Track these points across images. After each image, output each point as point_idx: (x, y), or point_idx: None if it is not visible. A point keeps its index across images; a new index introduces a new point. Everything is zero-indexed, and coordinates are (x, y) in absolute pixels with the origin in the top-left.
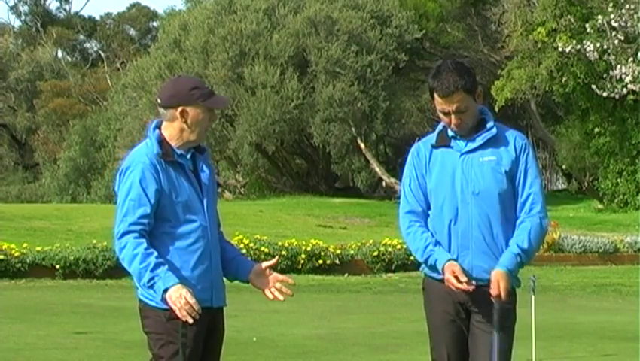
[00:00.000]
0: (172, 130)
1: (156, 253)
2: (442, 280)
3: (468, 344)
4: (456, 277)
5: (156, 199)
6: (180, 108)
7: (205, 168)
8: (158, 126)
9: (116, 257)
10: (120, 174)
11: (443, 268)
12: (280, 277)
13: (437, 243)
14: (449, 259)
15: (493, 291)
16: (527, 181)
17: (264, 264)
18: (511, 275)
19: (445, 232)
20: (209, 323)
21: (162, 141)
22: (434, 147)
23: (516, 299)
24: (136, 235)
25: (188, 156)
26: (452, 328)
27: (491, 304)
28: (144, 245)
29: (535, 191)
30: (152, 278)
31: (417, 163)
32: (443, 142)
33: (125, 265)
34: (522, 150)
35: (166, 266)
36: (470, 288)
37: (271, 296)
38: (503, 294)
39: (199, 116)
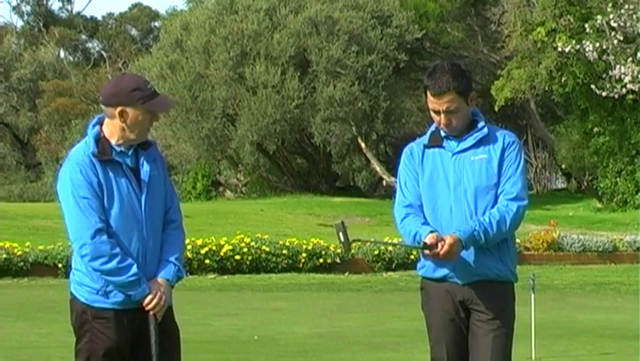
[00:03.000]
0: (112, 128)
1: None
2: (440, 280)
3: (468, 343)
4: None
5: (100, 194)
6: (119, 108)
7: (146, 163)
8: (100, 122)
9: None
10: (61, 173)
11: (424, 242)
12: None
13: (428, 224)
14: (431, 231)
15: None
16: (509, 172)
17: (159, 279)
18: (461, 244)
19: (440, 230)
20: (137, 325)
21: (100, 139)
22: (426, 147)
23: (514, 297)
24: (105, 234)
25: (130, 153)
26: (451, 327)
27: (490, 301)
28: (116, 244)
29: (515, 181)
30: (137, 278)
31: (410, 162)
32: (435, 142)
33: (98, 261)
34: (509, 146)
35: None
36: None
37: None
38: (442, 249)
39: (139, 118)
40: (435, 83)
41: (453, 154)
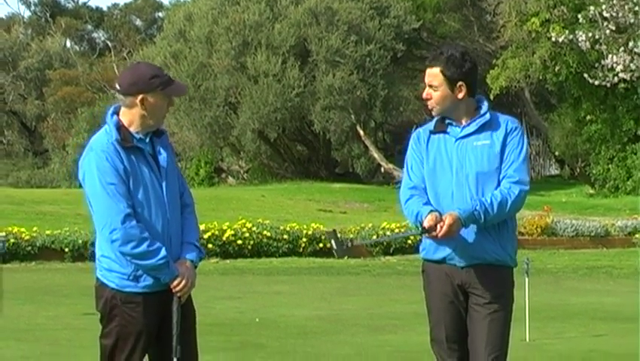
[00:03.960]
0: (131, 116)
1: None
2: (440, 262)
3: (467, 325)
4: (434, 228)
5: (126, 180)
6: (140, 96)
7: (162, 150)
8: (116, 112)
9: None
10: (84, 162)
11: (423, 221)
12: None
13: (430, 204)
14: (431, 211)
15: (437, 226)
16: (512, 157)
17: (185, 261)
18: (461, 222)
19: (441, 212)
20: (162, 308)
21: (120, 127)
22: (432, 132)
23: (513, 282)
24: (134, 219)
25: (147, 140)
26: (451, 309)
27: (488, 284)
28: (145, 229)
29: (518, 167)
30: (166, 261)
31: (417, 147)
32: (440, 128)
33: (129, 245)
34: (512, 132)
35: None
36: (444, 231)
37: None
38: (441, 231)
39: (158, 103)
40: (431, 56)
41: (456, 139)
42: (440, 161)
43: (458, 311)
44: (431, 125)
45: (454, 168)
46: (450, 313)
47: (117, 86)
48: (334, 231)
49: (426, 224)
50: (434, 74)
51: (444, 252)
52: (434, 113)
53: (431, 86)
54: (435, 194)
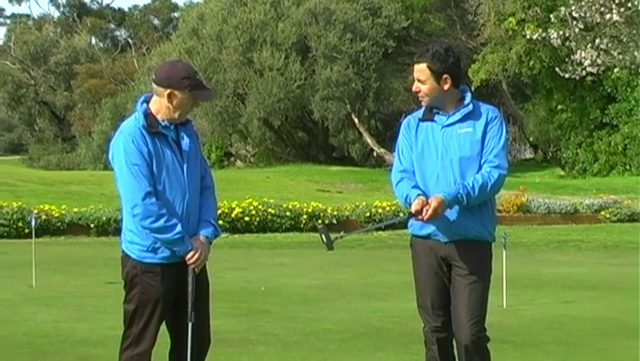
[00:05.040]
0: (159, 105)
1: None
2: (426, 238)
3: (450, 293)
4: (420, 212)
5: (149, 162)
6: (169, 90)
7: (185, 137)
8: (147, 100)
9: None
10: (114, 144)
11: (411, 203)
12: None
13: (418, 187)
14: (418, 195)
15: (424, 210)
16: (492, 144)
17: (200, 237)
18: (445, 204)
19: (428, 194)
20: (179, 278)
21: (148, 114)
22: (420, 120)
23: (491, 254)
24: (154, 197)
25: (172, 127)
26: (435, 279)
27: (468, 257)
28: (163, 206)
29: (498, 152)
30: (181, 235)
31: (407, 133)
32: (428, 117)
33: (148, 220)
34: (492, 121)
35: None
36: (429, 214)
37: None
38: (427, 214)
39: (184, 101)
40: (418, 52)
41: (442, 127)
42: (427, 147)
43: (442, 281)
44: (419, 113)
45: (439, 153)
46: (435, 283)
47: (153, 75)
48: (325, 226)
49: (413, 208)
50: (421, 69)
51: (429, 229)
52: (423, 104)
53: (419, 80)
54: (422, 177)
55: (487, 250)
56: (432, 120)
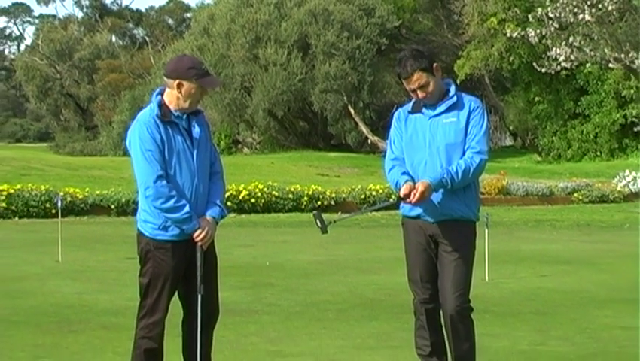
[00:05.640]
0: (170, 96)
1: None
2: (415, 218)
3: (437, 268)
4: (409, 195)
5: (162, 148)
6: (177, 81)
7: (196, 126)
8: (161, 92)
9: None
10: (131, 132)
11: (401, 188)
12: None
13: (407, 174)
14: (406, 180)
15: (412, 194)
16: (474, 132)
17: (207, 217)
18: (432, 187)
19: (417, 178)
20: (188, 254)
21: (162, 105)
22: (409, 112)
23: (475, 232)
24: (165, 180)
25: (184, 117)
26: (424, 255)
27: (454, 236)
28: (173, 188)
29: (479, 139)
30: (189, 215)
31: (398, 124)
32: (416, 109)
33: (159, 201)
34: (474, 111)
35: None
36: (416, 197)
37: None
38: (414, 197)
39: (192, 90)
40: (403, 70)
41: (429, 118)
42: (415, 136)
43: (430, 257)
44: (409, 106)
45: (427, 141)
46: (423, 259)
47: (164, 70)
48: (319, 212)
49: (402, 193)
50: (418, 77)
51: (418, 210)
52: (431, 102)
53: (422, 86)
54: (412, 163)
55: (471, 229)
56: (420, 112)
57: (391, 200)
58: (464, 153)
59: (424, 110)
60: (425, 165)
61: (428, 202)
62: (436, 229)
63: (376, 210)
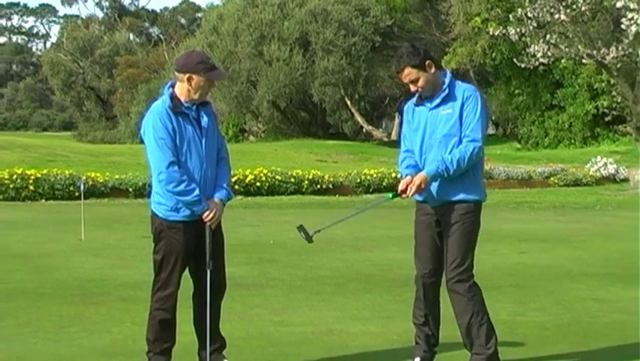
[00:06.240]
0: (181, 89)
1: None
2: (423, 202)
3: (442, 245)
4: (406, 190)
5: (173, 136)
6: (187, 75)
7: (205, 116)
8: (172, 85)
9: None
10: (145, 121)
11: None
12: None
13: (411, 167)
14: (407, 175)
15: (408, 188)
16: (468, 120)
17: (215, 199)
18: (428, 179)
19: (421, 165)
20: (198, 233)
21: (173, 97)
22: (415, 105)
23: (477, 211)
24: (176, 166)
25: (193, 108)
26: (427, 232)
27: (452, 215)
28: (184, 173)
29: (474, 127)
30: (199, 198)
31: (406, 117)
32: (420, 102)
33: (171, 185)
34: (467, 100)
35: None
36: (413, 190)
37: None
38: (410, 191)
39: (201, 83)
40: (396, 65)
41: (429, 110)
42: (419, 127)
43: (432, 236)
44: (414, 99)
45: (427, 132)
46: (427, 237)
47: (175, 65)
48: (301, 225)
49: (399, 188)
50: (408, 73)
51: (423, 196)
52: (424, 95)
53: (412, 81)
54: (419, 154)
55: (471, 209)
56: (423, 105)
57: (367, 206)
58: (461, 141)
59: (425, 102)
60: (428, 155)
61: (429, 191)
62: (439, 211)
63: (354, 216)
